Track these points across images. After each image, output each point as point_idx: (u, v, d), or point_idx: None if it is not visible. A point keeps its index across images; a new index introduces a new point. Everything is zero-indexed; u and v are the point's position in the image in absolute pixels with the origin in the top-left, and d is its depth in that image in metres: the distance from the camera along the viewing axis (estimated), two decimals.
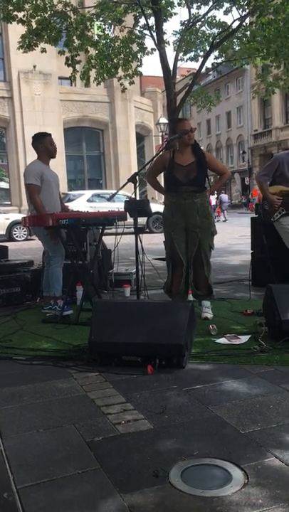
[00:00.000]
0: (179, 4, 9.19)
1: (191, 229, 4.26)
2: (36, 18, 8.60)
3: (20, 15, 8.61)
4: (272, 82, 10.90)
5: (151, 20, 8.71)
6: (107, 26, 9.80)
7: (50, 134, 4.85)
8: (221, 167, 4.59)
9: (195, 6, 9.27)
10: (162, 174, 4.54)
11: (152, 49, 9.30)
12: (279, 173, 4.75)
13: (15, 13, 8.49)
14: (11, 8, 8.33)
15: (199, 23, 9.62)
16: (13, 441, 2.22)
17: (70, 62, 9.24)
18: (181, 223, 4.27)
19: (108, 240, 5.67)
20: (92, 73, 9.92)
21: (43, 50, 9.19)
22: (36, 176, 4.57)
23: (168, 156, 4.31)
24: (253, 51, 9.10)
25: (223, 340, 3.61)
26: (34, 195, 4.55)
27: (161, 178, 4.66)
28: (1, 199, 23.59)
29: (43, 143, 4.74)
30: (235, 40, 9.79)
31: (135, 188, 4.27)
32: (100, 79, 9.78)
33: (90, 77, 9.84)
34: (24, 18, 8.66)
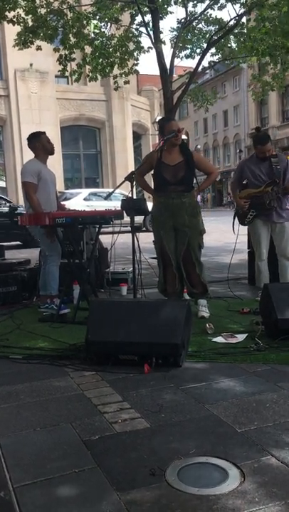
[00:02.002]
0: (176, 2, 9.18)
1: (180, 228, 4.27)
2: (31, 16, 8.58)
3: (10, 15, 8.57)
4: (268, 81, 10.91)
5: (148, 18, 8.71)
6: (103, 24, 9.79)
7: (44, 132, 4.85)
8: (208, 166, 4.64)
9: (191, 4, 9.26)
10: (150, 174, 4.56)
11: (149, 47, 9.30)
12: (245, 178, 4.86)
13: (7, 12, 8.46)
14: (6, 7, 8.30)
15: (196, 20, 9.62)
16: (9, 440, 2.21)
17: (62, 59, 9.23)
18: (170, 222, 4.27)
19: (105, 239, 5.66)
20: (86, 71, 9.93)
21: (39, 48, 9.17)
22: (33, 174, 4.57)
23: (156, 155, 4.32)
24: (250, 50, 9.10)
25: (219, 339, 3.62)
26: (31, 193, 4.54)
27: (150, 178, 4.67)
28: None
29: (40, 141, 4.74)
30: (232, 37, 9.79)
31: (132, 186, 4.26)
32: (93, 76, 9.77)
33: (81, 74, 9.85)
34: (15, 19, 8.63)
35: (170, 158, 4.26)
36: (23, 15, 8.62)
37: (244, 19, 9.17)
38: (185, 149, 4.33)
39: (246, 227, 4.98)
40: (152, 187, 4.50)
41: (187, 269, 4.35)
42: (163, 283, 4.45)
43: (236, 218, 4.96)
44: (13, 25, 8.70)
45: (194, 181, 4.38)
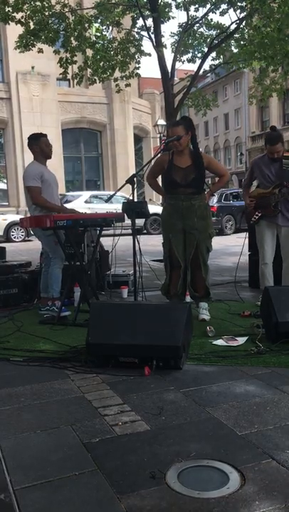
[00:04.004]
0: (177, 7, 9.21)
1: (189, 231, 4.27)
2: (34, 19, 8.61)
3: (18, 16, 8.61)
4: (269, 85, 10.92)
5: (149, 21, 8.73)
6: (105, 27, 9.81)
7: (45, 135, 4.84)
8: (220, 168, 4.60)
9: (193, 8, 9.28)
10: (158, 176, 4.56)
11: (149, 53, 9.34)
12: (255, 177, 4.80)
13: (13, 14, 8.49)
14: (9, 9, 8.33)
15: (197, 25, 9.65)
16: (10, 442, 2.21)
17: (63, 62, 9.25)
18: (179, 225, 4.28)
19: (106, 242, 5.67)
20: (87, 73, 9.95)
21: (40, 51, 9.19)
22: (36, 177, 4.57)
23: (167, 157, 4.33)
24: (251, 54, 9.12)
25: (220, 342, 3.61)
26: (37, 196, 4.56)
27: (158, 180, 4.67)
28: None
29: (38, 144, 4.74)
30: (233, 42, 9.81)
31: (133, 189, 4.27)
32: (94, 79, 9.79)
33: (83, 76, 9.86)
34: (22, 20, 8.66)
35: (181, 160, 4.25)
36: (26, 17, 8.63)
37: (245, 23, 9.18)
38: (196, 152, 4.32)
39: (248, 231, 4.95)
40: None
41: (193, 271, 4.35)
42: (168, 285, 4.45)
43: (244, 216, 4.89)
44: (22, 25, 8.71)
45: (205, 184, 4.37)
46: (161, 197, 4.51)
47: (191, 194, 4.22)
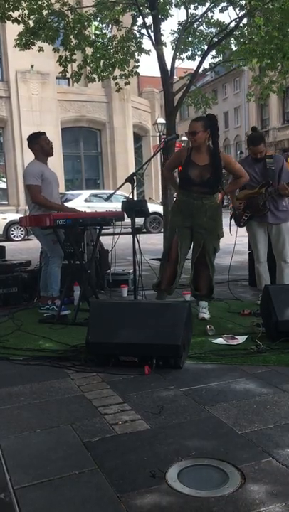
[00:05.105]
0: (176, 5, 9.18)
1: (197, 230, 4.25)
2: (32, 17, 8.57)
3: (14, 15, 8.57)
4: (268, 84, 10.88)
5: (149, 19, 8.69)
6: (104, 25, 9.78)
7: (44, 133, 4.84)
8: (238, 169, 4.38)
9: (192, 6, 9.25)
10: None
11: (149, 50, 9.30)
12: None
13: (10, 12, 8.45)
14: (7, 6, 8.29)
15: (197, 23, 9.61)
16: (10, 442, 2.21)
17: (62, 60, 9.22)
18: (188, 222, 4.26)
19: (105, 240, 5.66)
20: (86, 72, 9.92)
21: (40, 49, 9.17)
22: (36, 175, 4.57)
23: (185, 153, 4.30)
24: (250, 52, 9.09)
25: (220, 341, 3.62)
26: (37, 195, 4.56)
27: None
28: None
29: (38, 142, 4.74)
30: (232, 40, 9.77)
31: (133, 188, 4.27)
32: (94, 77, 9.77)
33: (81, 75, 9.83)
34: (19, 18, 8.62)
35: (199, 157, 4.21)
36: (26, 14, 8.60)
37: (245, 21, 9.15)
38: (215, 151, 4.25)
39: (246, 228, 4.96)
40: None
41: (199, 270, 4.34)
42: (160, 278, 4.44)
43: (233, 219, 4.94)
44: (18, 24, 8.68)
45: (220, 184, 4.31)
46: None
47: (204, 193, 4.19)
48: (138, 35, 9.59)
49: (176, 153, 4.44)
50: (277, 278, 4.75)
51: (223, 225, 4.28)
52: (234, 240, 4.86)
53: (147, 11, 8.60)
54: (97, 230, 5.04)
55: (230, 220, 4.93)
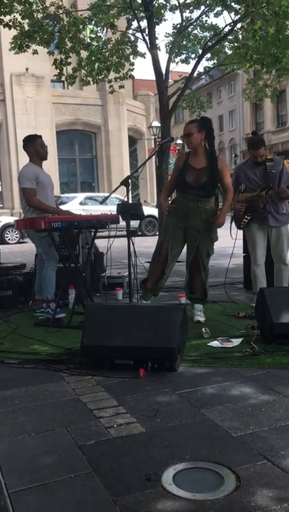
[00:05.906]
0: (171, 9, 9.22)
1: (191, 232, 4.26)
2: (27, 20, 8.58)
3: (6, 19, 8.57)
4: (261, 88, 10.95)
5: (144, 23, 8.72)
6: (99, 29, 9.80)
7: (40, 136, 4.83)
8: (226, 182, 4.26)
9: (187, 10, 9.29)
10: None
11: (144, 53, 9.33)
12: (241, 182, 4.83)
13: (2, 17, 8.45)
14: (2, 11, 8.29)
15: (191, 26, 9.65)
16: (4, 445, 2.20)
17: (57, 63, 9.24)
18: (182, 223, 4.27)
19: (100, 243, 5.66)
20: (81, 75, 9.94)
21: (35, 52, 9.18)
22: (31, 179, 4.57)
23: (184, 157, 4.32)
24: (244, 56, 9.14)
25: (215, 344, 3.62)
26: (32, 198, 4.55)
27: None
28: None
29: (33, 145, 4.73)
30: (227, 44, 9.83)
31: (128, 191, 4.27)
32: (88, 80, 9.79)
33: (76, 78, 9.85)
34: (11, 23, 8.62)
35: (196, 161, 4.22)
36: (19, 19, 8.61)
37: (239, 25, 9.19)
38: (211, 153, 4.26)
39: (243, 231, 4.98)
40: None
41: (193, 273, 4.35)
42: (148, 275, 4.45)
43: (233, 222, 4.96)
44: (9, 29, 8.70)
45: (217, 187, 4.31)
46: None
47: (200, 196, 4.20)
48: (133, 39, 9.62)
49: (175, 162, 4.48)
50: (275, 280, 4.76)
51: (224, 228, 4.28)
52: (233, 243, 4.86)
53: (142, 14, 8.63)
54: (92, 233, 5.04)
55: (231, 222, 4.93)
